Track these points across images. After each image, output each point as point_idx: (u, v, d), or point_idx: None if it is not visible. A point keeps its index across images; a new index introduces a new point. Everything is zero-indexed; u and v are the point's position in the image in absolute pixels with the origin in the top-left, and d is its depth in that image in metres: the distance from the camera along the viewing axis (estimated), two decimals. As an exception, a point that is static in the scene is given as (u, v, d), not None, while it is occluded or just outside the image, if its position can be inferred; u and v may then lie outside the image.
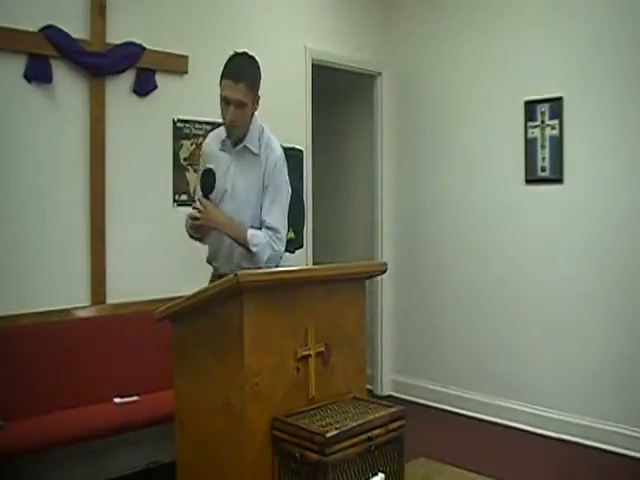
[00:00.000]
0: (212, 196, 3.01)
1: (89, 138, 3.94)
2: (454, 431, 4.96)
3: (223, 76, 2.95)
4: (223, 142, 3.13)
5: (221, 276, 2.85)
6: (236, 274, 2.18)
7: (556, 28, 4.72)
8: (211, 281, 3.06)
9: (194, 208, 3.07)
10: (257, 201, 3.08)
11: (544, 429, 4.76)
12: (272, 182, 3.08)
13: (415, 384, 5.69)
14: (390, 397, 5.73)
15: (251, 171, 3.07)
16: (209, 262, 3.24)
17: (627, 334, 4.38)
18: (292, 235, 4.68)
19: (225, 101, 2.96)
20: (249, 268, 2.96)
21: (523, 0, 4.93)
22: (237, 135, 3.06)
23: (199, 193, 3.07)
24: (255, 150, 3.08)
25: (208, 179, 2.99)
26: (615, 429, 4.40)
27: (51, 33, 3.73)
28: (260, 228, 3.03)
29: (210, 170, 3.01)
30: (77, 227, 3.91)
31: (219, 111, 3.05)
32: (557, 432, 4.68)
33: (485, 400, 5.14)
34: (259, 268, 2.96)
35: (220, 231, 3.05)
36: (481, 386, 5.19)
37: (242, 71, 2.95)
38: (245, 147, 3.08)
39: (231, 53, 3.03)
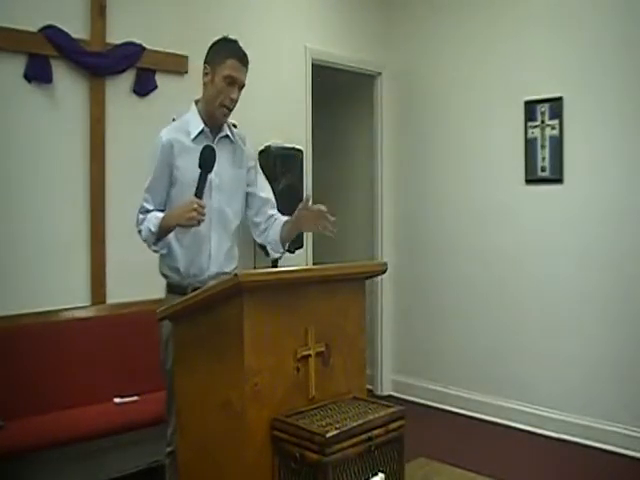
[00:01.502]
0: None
1: (89, 138, 3.95)
2: (454, 431, 4.96)
3: (228, 55, 2.82)
4: (201, 132, 2.88)
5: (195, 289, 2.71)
6: (236, 274, 2.18)
7: (556, 28, 4.72)
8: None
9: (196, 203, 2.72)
10: (243, 192, 3.04)
11: (544, 429, 4.76)
12: (255, 163, 3.11)
13: (415, 384, 5.69)
14: (390, 397, 5.74)
15: (234, 160, 2.98)
16: (173, 274, 2.94)
17: (627, 334, 4.38)
18: (292, 235, 4.68)
19: (230, 81, 2.82)
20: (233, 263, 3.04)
21: (523, 1, 4.93)
22: (222, 122, 2.93)
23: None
24: (233, 137, 3.00)
25: (211, 155, 2.73)
26: (615, 429, 4.40)
27: (51, 33, 3.73)
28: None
29: (212, 147, 2.78)
30: (77, 227, 3.92)
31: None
32: (557, 432, 4.69)
33: (485, 400, 5.14)
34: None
35: (207, 227, 2.86)
36: (481, 386, 5.19)
37: (246, 56, 2.89)
38: (227, 136, 2.96)
39: (223, 36, 2.93)
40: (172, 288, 2.96)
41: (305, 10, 5.24)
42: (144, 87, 4.17)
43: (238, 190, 3.02)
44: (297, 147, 4.92)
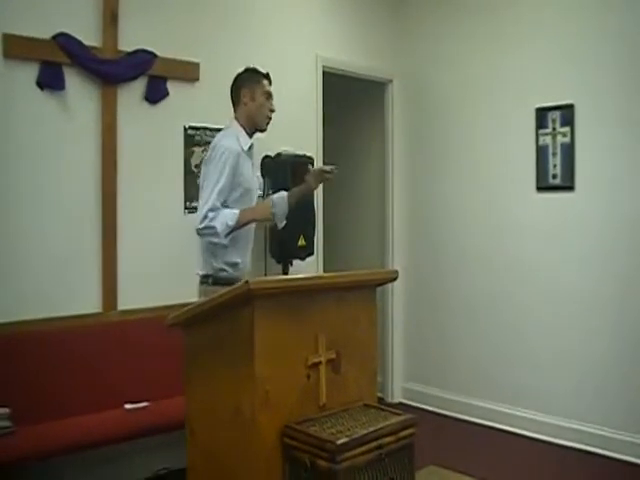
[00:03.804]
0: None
1: (101, 145, 3.96)
2: (465, 439, 4.93)
3: (260, 78, 3.44)
4: (251, 146, 3.46)
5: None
6: (247, 281, 2.18)
7: (567, 35, 4.71)
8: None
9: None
10: None
11: (557, 438, 4.71)
12: None
13: (426, 392, 5.67)
14: (401, 405, 5.72)
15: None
16: (230, 267, 3.34)
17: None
18: (303, 242, 4.68)
19: (267, 95, 3.44)
20: None
21: (534, 8, 4.92)
22: (265, 129, 3.51)
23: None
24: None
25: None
26: (633, 439, 4.36)
27: (63, 41, 3.75)
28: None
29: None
30: (89, 233, 3.93)
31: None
32: (572, 441, 4.62)
33: (496, 408, 5.12)
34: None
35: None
36: (492, 394, 5.16)
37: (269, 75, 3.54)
38: (252, 145, 3.51)
39: (246, 68, 3.52)
40: (219, 280, 3.26)
41: (316, 18, 5.25)
42: (156, 94, 4.19)
43: None
44: (308, 154, 4.92)
